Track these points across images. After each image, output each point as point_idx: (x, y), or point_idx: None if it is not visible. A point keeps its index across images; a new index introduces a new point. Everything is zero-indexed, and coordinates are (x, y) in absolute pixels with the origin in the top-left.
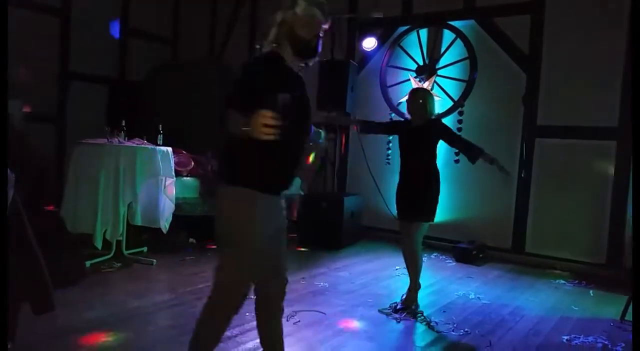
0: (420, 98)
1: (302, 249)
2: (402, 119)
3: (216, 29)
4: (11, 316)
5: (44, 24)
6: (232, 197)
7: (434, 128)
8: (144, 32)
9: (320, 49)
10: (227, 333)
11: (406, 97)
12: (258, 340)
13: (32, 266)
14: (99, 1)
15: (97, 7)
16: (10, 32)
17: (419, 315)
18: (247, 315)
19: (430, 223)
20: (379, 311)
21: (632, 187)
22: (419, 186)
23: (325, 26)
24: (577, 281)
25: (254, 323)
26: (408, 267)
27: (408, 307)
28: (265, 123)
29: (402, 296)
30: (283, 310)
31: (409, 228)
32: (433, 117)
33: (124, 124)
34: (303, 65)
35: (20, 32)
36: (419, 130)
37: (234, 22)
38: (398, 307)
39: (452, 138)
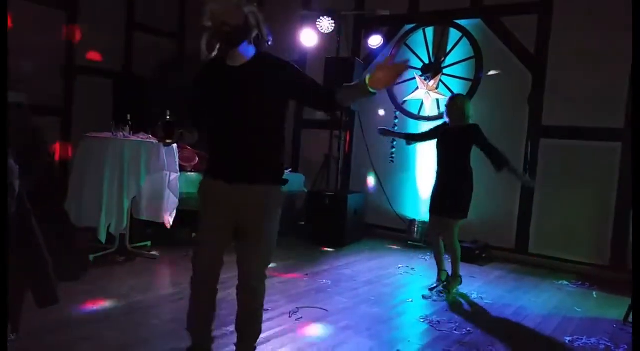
0: (458, 103)
1: (305, 246)
2: (440, 124)
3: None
4: (15, 309)
5: (50, 17)
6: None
7: (471, 133)
8: (149, 26)
9: (229, 35)
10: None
11: (446, 103)
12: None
13: (37, 259)
14: None
15: (101, 1)
16: (17, 25)
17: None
18: None
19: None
20: (423, 297)
21: (632, 187)
22: (456, 185)
23: (223, 16)
24: (580, 283)
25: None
26: (451, 258)
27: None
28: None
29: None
30: (259, 289)
31: (447, 224)
32: (471, 121)
33: (129, 118)
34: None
35: (26, 24)
36: (456, 133)
37: None
38: (440, 289)
39: (484, 144)
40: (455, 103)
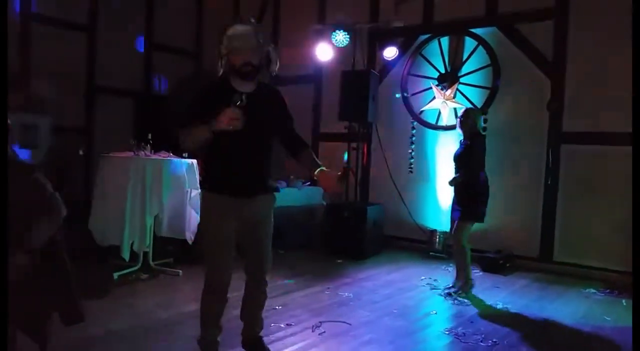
0: (471, 116)
1: (325, 259)
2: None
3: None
4: (42, 327)
5: (71, 40)
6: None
7: (473, 143)
8: (167, 46)
9: (249, 72)
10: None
11: (460, 115)
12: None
13: (62, 278)
14: (123, 17)
15: (121, 22)
16: (38, 48)
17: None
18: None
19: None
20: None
21: (632, 187)
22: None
23: (247, 56)
24: (608, 291)
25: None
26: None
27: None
28: (230, 117)
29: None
30: (265, 284)
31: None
32: (479, 132)
33: (150, 137)
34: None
35: (49, 48)
36: (465, 145)
37: None
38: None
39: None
40: (468, 116)
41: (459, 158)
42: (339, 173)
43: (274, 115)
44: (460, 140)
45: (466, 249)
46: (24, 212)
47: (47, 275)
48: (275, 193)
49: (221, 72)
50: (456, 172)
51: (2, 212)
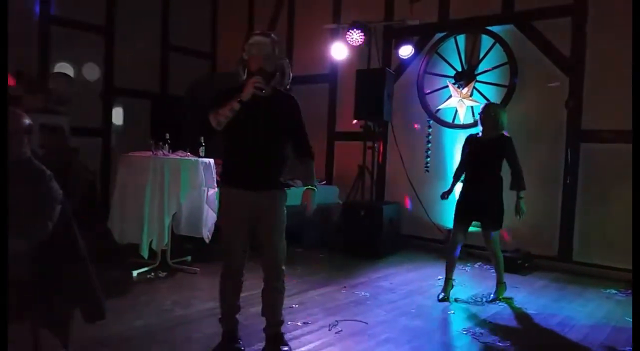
0: (492, 112)
1: (341, 258)
2: (468, 137)
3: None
4: (64, 325)
5: (89, 42)
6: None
7: (501, 143)
8: (183, 47)
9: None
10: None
11: (480, 111)
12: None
13: (84, 277)
14: (140, 19)
15: (138, 24)
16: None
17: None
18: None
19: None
20: (439, 299)
21: (632, 187)
22: (491, 196)
23: (261, 62)
24: (629, 291)
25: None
26: (497, 266)
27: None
28: (255, 82)
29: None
30: (280, 280)
31: (487, 235)
32: (504, 131)
33: (167, 137)
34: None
35: (67, 50)
36: (489, 143)
37: None
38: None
39: (513, 159)
40: (489, 113)
41: (507, 157)
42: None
43: (285, 117)
44: (479, 137)
45: (501, 253)
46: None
47: (68, 273)
48: (287, 190)
49: (243, 77)
50: (482, 171)
51: (2, 211)
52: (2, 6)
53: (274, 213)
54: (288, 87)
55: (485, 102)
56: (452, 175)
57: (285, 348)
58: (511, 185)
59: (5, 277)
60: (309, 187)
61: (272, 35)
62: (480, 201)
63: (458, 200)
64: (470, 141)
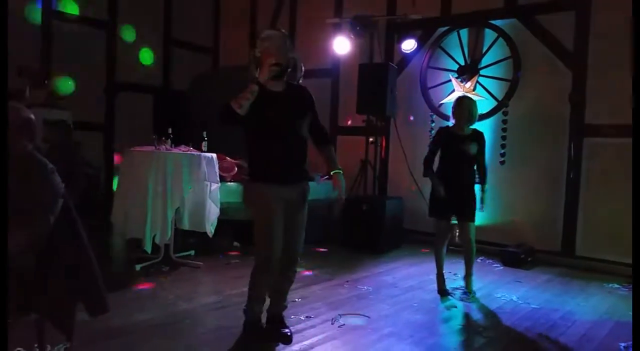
0: (465, 105)
1: (344, 253)
2: (441, 128)
3: (255, 35)
4: (68, 318)
5: (91, 37)
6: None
7: (478, 138)
8: (185, 42)
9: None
10: None
11: (452, 105)
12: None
13: (87, 270)
14: (141, 14)
15: (140, 19)
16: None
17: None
18: (292, 318)
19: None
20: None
21: (632, 187)
22: (470, 190)
23: (275, 58)
24: (632, 286)
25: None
26: (469, 259)
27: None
28: (271, 63)
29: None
30: (295, 271)
31: (466, 227)
32: (475, 126)
33: (170, 132)
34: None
35: (69, 44)
36: (465, 137)
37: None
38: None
39: (482, 155)
40: (463, 106)
41: (479, 156)
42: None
43: (304, 108)
44: (452, 130)
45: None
46: (32, 205)
47: (71, 267)
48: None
49: (256, 75)
50: (460, 165)
51: (2, 211)
52: (2, 6)
53: (303, 208)
54: (300, 80)
55: (459, 95)
56: (425, 165)
57: (286, 330)
58: (482, 181)
59: (5, 277)
60: (337, 170)
61: (283, 30)
62: (460, 195)
63: (435, 196)
64: (443, 134)
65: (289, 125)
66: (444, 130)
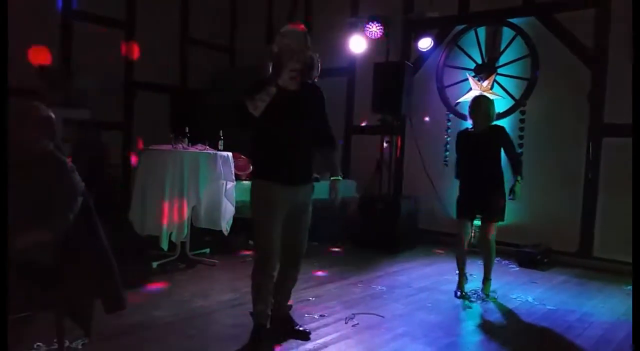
0: (482, 105)
1: (358, 252)
2: (460, 131)
3: (271, 34)
4: (86, 315)
5: (109, 37)
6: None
7: (496, 134)
8: (202, 41)
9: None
10: None
11: (469, 105)
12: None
13: (105, 268)
14: (159, 13)
15: (158, 18)
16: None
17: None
18: (306, 316)
19: (502, 222)
20: (458, 297)
21: (632, 186)
22: (490, 190)
23: (295, 54)
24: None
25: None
26: (488, 260)
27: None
28: (292, 68)
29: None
30: (299, 271)
31: (484, 228)
32: (494, 123)
33: (187, 131)
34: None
35: (88, 44)
36: (483, 137)
37: None
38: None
39: (510, 146)
40: (480, 105)
41: (506, 150)
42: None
43: (315, 109)
44: (471, 131)
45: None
46: (52, 204)
47: (90, 264)
48: (315, 184)
49: (270, 68)
50: (480, 166)
51: (2, 211)
52: (2, 6)
53: (308, 209)
54: (316, 79)
55: (475, 95)
56: (456, 169)
57: (302, 327)
58: (516, 172)
59: (5, 277)
60: (336, 177)
61: (304, 26)
62: (482, 194)
63: (460, 195)
64: (463, 136)
65: (299, 126)
66: (463, 133)
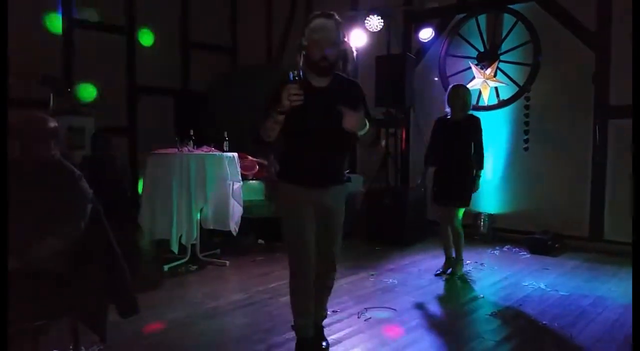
0: (461, 94)
1: (367, 246)
2: (438, 119)
3: (273, 36)
4: (102, 319)
5: (111, 43)
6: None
7: (473, 125)
8: (204, 43)
9: (325, 68)
10: None
11: (447, 93)
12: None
13: (117, 273)
14: (159, 17)
15: (158, 22)
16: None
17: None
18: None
19: (467, 208)
20: (435, 274)
21: (633, 185)
22: (461, 177)
23: (324, 50)
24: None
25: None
26: (456, 243)
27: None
28: (288, 93)
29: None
30: (333, 279)
31: (449, 213)
32: (470, 112)
33: (192, 133)
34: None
35: (90, 51)
36: (460, 124)
37: (290, 28)
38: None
39: (479, 140)
40: (458, 94)
41: (474, 142)
42: None
43: (350, 106)
44: (448, 118)
45: (462, 230)
46: (63, 212)
47: (102, 269)
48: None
49: (301, 65)
50: (454, 152)
51: (2, 211)
52: (2, 6)
53: (340, 212)
54: (350, 74)
55: (454, 85)
56: (425, 156)
57: (324, 343)
58: (478, 167)
59: (5, 277)
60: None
61: (336, 16)
62: (457, 182)
63: (435, 184)
64: (441, 124)
65: (328, 125)
66: (440, 120)
